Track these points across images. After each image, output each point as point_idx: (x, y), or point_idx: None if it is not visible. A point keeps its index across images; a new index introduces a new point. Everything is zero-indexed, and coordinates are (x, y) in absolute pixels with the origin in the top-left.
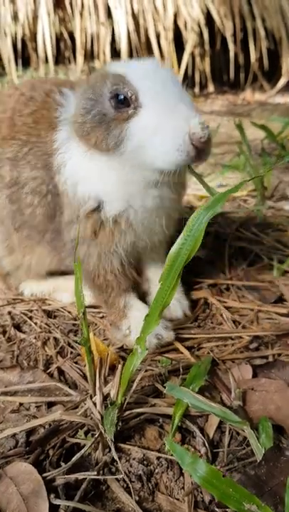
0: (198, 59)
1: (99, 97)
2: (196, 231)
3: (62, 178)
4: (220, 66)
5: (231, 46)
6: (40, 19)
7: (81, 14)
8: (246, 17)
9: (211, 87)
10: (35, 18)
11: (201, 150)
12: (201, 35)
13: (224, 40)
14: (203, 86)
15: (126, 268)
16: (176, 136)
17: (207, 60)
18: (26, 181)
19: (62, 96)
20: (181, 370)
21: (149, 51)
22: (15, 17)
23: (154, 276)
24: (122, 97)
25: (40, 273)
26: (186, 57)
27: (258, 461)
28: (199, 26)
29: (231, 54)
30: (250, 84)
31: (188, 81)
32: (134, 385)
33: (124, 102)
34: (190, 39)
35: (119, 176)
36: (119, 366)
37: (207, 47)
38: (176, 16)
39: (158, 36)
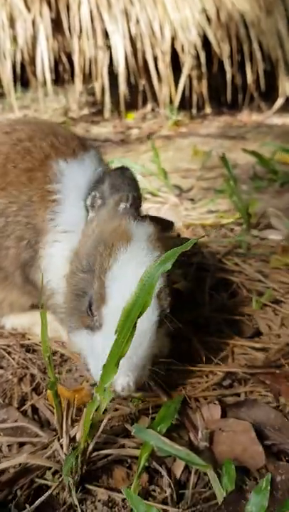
0: (195, 81)
1: (91, 273)
2: (148, 286)
3: (44, 252)
4: (217, 87)
5: (228, 68)
6: (39, 44)
7: (79, 38)
8: (243, 40)
9: (208, 109)
10: (34, 43)
11: None
12: (198, 57)
13: (221, 61)
14: (200, 107)
15: None
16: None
17: (204, 82)
18: (12, 231)
19: (58, 168)
20: (150, 409)
21: (147, 74)
22: (14, 41)
23: None
24: (91, 306)
25: (22, 308)
26: (183, 79)
27: (219, 504)
28: (196, 49)
29: (228, 76)
30: (248, 105)
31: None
32: (102, 426)
33: (91, 309)
34: (187, 62)
35: None
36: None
37: (204, 69)
38: (173, 39)
39: (155, 59)
